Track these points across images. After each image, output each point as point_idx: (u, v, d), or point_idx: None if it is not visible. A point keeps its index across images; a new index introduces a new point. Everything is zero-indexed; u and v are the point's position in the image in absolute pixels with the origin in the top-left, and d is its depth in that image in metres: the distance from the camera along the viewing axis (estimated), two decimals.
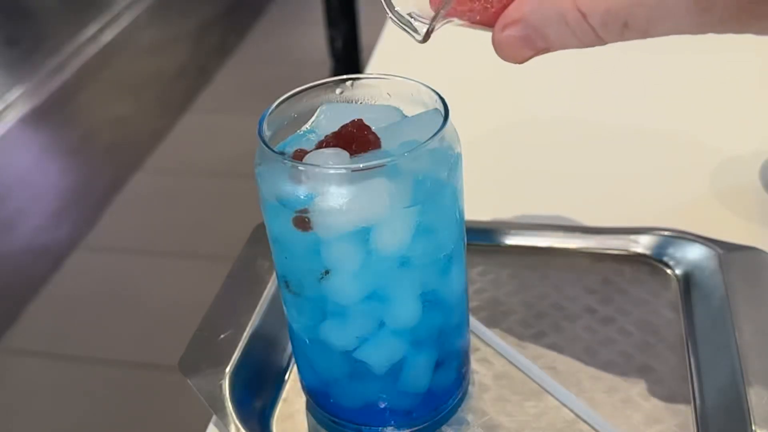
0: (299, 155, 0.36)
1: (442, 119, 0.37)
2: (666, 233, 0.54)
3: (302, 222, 0.35)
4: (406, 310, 0.38)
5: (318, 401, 0.44)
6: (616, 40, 0.30)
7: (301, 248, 0.36)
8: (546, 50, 0.33)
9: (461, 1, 0.32)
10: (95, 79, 2.54)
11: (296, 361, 0.45)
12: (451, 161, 0.36)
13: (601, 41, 0.31)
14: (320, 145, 0.37)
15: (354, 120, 0.37)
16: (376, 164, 0.34)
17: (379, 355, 0.39)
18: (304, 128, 0.40)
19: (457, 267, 0.40)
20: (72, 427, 1.37)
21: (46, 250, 1.77)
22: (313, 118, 0.40)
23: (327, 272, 0.36)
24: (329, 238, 0.35)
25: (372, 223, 0.35)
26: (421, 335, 0.39)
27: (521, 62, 0.33)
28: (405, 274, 0.37)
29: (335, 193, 0.34)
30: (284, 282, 0.40)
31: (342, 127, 0.37)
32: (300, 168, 0.34)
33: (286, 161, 0.35)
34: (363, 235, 0.35)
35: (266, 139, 0.36)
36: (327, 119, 0.39)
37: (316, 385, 0.43)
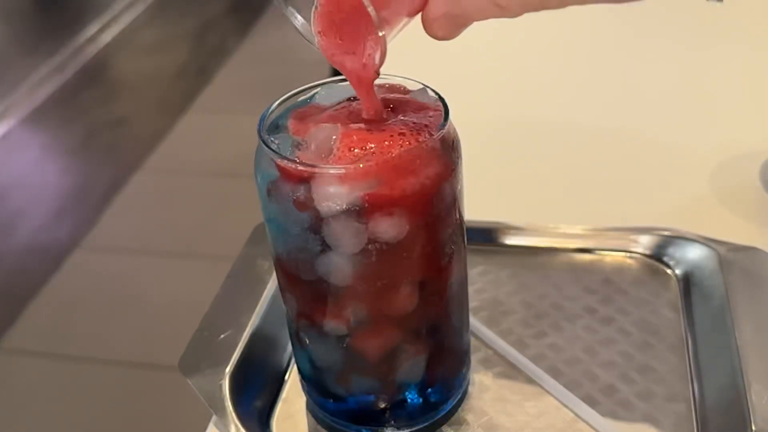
0: (298, 126, 0.37)
1: (431, 96, 0.37)
2: (666, 233, 0.54)
3: (301, 204, 0.35)
4: (400, 297, 0.38)
5: (317, 400, 0.44)
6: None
7: (298, 228, 0.36)
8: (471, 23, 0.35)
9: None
10: (95, 79, 2.54)
11: (294, 354, 0.45)
12: (452, 161, 0.36)
13: (520, 15, 0.33)
14: (320, 119, 0.37)
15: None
16: (375, 164, 0.34)
17: (372, 342, 0.39)
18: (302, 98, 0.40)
19: (457, 266, 0.40)
20: (72, 427, 1.36)
21: (46, 250, 1.77)
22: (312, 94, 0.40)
23: (322, 254, 0.36)
24: (327, 218, 0.35)
25: (371, 215, 0.35)
26: (416, 325, 0.39)
27: (454, 37, 0.35)
28: (402, 263, 0.37)
29: (334, 192, 0.34)
30: (280, 265, 0.39)
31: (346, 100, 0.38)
32: (300, 168, 0.34)
33: (286, 163, 0.35)
34: (360, 224, 0.35)
35: (266, 139, 0.36)
36: (324, 98, 0.40)
37: (313, 377, 0.43)
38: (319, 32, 0.35)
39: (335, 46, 0.35)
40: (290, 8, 0.35)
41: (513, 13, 0.33)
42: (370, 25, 0.33)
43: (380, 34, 0.33)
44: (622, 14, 0.91)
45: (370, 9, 0.31)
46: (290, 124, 0.38)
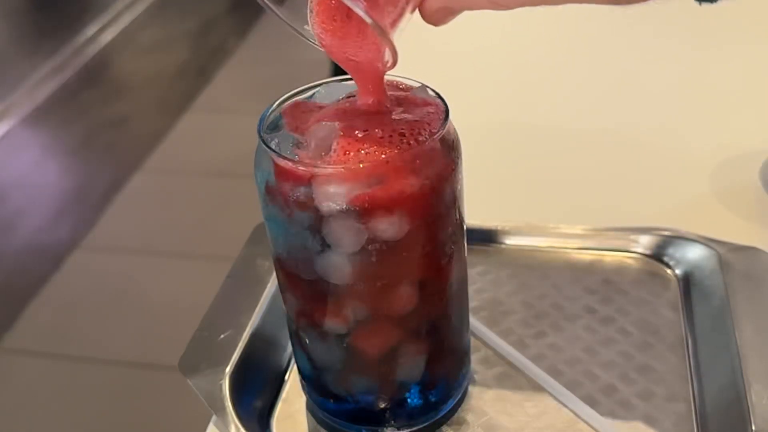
0: (293, 119, 0.36)
1: (431, 96, 0.37)
2: (666, 233, 0.54)
3: (302, 204, 0.35)
4: (400, 296, 0.38)
5: (317, 400, 0.44)
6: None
7: (298, 228, 0.36)
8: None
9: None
10: (95, 79, 2.54)
11: (294, 354, 0.45)
12: (451, 160, 0.36)
13: (516, 8, 0.34)
14: (320, 117, 0.37)
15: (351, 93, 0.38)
16: (375, 163, 0.34)
17: (372, 342, 0.39)
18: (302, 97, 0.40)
19: (457, 266, 0.40)
20: (72, 427, 1.36)
21: (46, 250, 1.77)
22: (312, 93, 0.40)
23: (322, 253, 0.36)
24: (327, 218, 0.35)
25: (371, 214, 0.35)
26: (416, 325, 0.39)
27: (448, 22, 0.36)
28: (402, 263, 0.37)
29: (334, 191, 0.34)
30: (280, 265, 0.39)
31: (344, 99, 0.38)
32: (300, 168, 0.34)
33: (286, 162, 0.35)
34: (360, 223, 0.35)
35: (266, 139, 0.36)
36: (323, 97, 0.40)
37: (313, 377, 0.43)
38: (324, 46, 0.35)
39: (342, 56, 0.35)
40: (306, 27, 0.35)
41: (508, 8, 0.33)
42: (373, 33, 0.32)
43: (387, 37, 0.32)
44: (622, 14, 0.91)
45: (366, 17, 0.31)
46: (284, 117, 0.38)
